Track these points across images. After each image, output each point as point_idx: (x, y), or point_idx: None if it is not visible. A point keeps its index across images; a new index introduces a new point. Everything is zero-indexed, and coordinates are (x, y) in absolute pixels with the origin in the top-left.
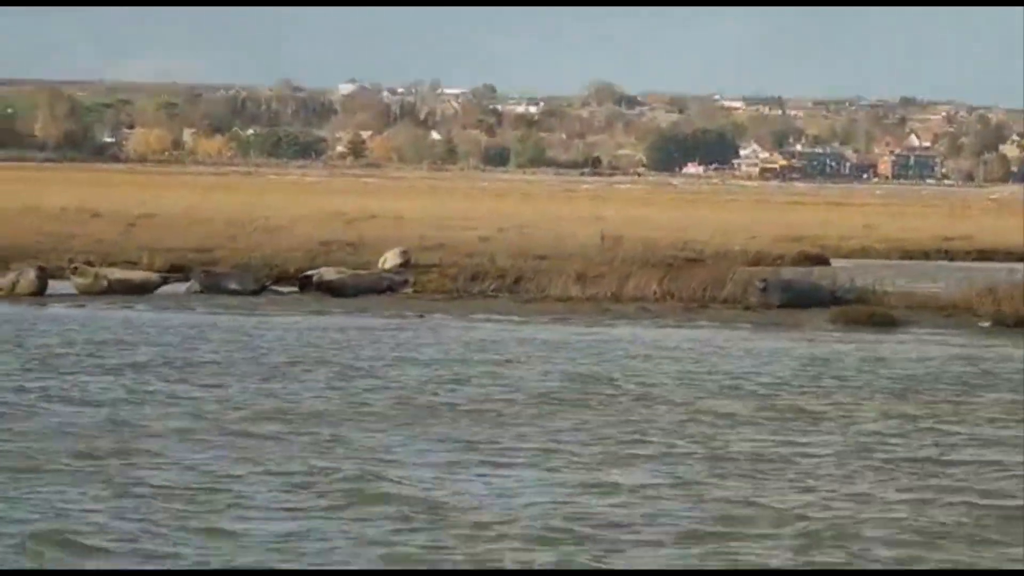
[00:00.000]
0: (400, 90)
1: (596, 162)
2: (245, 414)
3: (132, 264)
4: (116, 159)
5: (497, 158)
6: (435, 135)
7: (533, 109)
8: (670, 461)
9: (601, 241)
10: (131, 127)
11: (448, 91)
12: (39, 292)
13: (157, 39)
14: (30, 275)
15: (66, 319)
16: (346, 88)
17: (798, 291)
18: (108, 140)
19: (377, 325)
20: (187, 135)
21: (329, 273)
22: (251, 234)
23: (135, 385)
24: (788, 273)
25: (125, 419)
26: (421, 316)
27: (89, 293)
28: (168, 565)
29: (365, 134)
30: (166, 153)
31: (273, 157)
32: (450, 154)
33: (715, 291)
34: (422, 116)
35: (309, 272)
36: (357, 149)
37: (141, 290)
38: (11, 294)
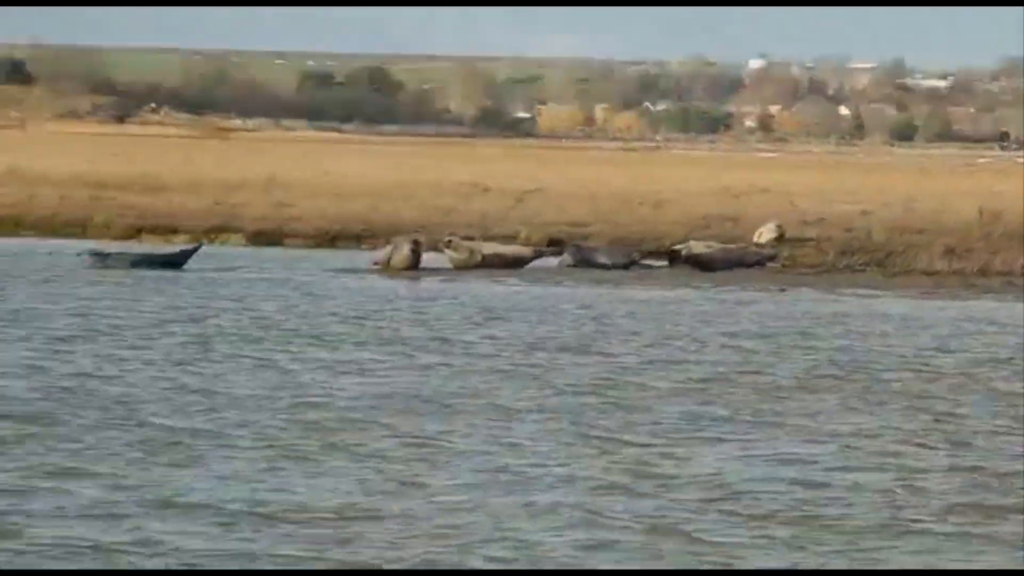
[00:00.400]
0: (809, 64)
1: (1004, 136)
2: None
3: (510, 238)
4: (529, 134)
5: (904, 133)
6: (843, 110)
7: (942, 83)
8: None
9: (979, 216)
10: (543, 103)
11: (857, 65)
12: (413, 266)
13: (571, 14)
14: (404, 249)
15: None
16: (756, 63)
17: None
18: (522, 116)
19: (731, 299)
20: (598, 111)
21: (698, 247)
22: (636, 208)
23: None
24: None
25: None
26: (783, 290)
27: (463, 267)
28: None
29: (773, 108)
30: (578, 129)
31: (683, 132)
32: (857, 129)
33: None
34: (830, 91)
35: (678, 246)
36: (765, 124)
37: (514, 264)
38: (387, 267)
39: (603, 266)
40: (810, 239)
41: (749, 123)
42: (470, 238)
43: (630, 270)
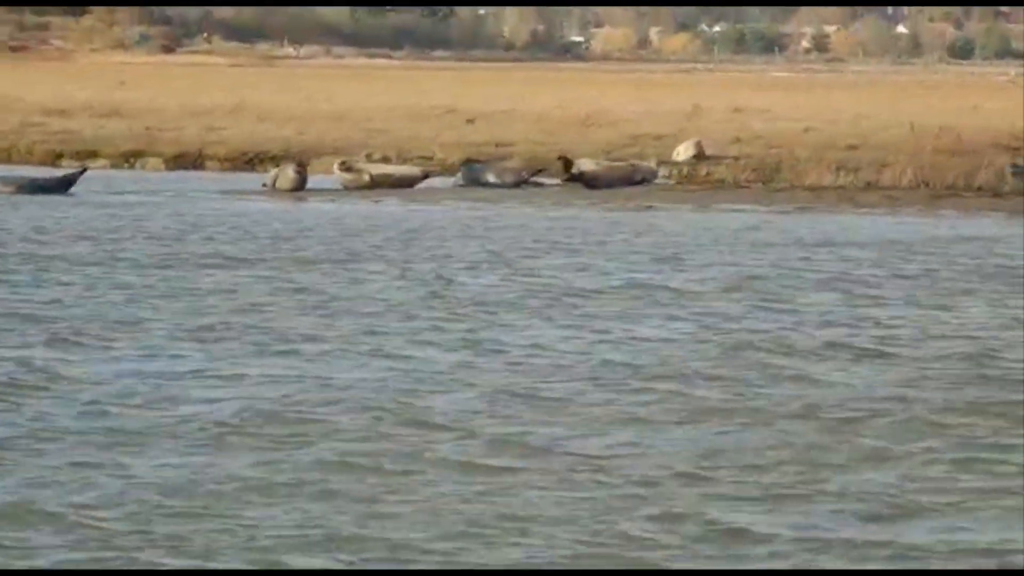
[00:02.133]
0: None
1: None
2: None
3: (426, 159)
4: (580, 58)
5: (963, 51)
6: (901, 28)
7: None
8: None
9: (911, 130)
10: (599, 26)
11: None
12: (299, 187)
13: None
14: (289, 171)
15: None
16: None
17: None
18: (576, 40)
19: (592, 216)
20: (653, 33)
21: (587, 164)
22: (582, 129)
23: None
24: None
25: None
26: (650, 207)
27: (353, 188)
28: None
29: (830, 28)
30: (631, 52)
31: (737, 54)
32: (915, 48)
33: (970, 179)
34: (890, 10)
35: (569, 161)
36: (820, 44)
37: (405, 184)
38: (272, 189)
39: (493, 185)
40: (731, 157)
41: (805, 44)
42: (387, 159)
43: (520, 188)
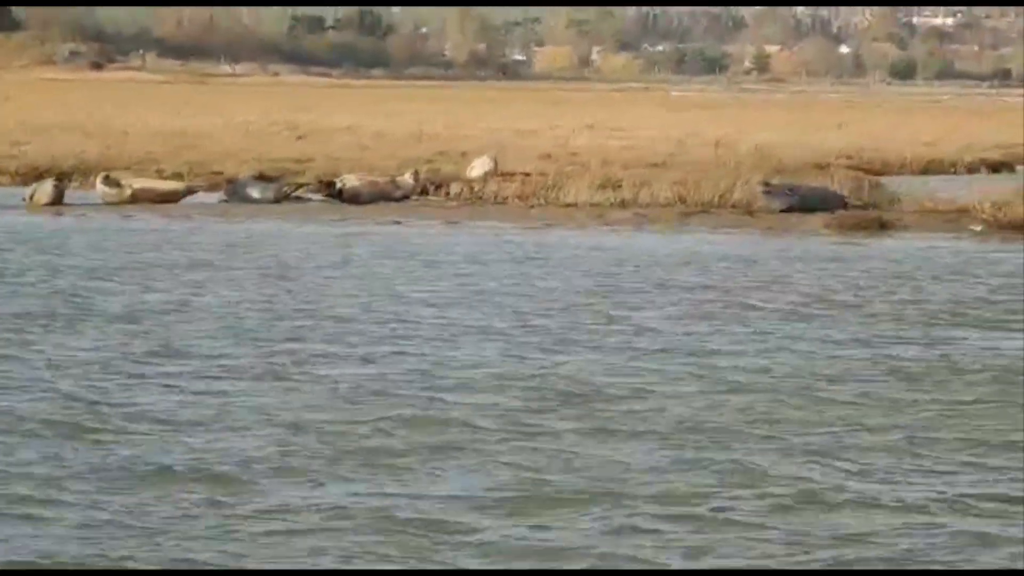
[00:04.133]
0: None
1: (1006, 74)
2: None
3: (216, 174)
4: (519, 77)
5: (905, 71)
6: (844, 49)
7: (950, 20)
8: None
9: (715, 149)
10: (541, 45)
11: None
12: (56, 201)
13: None
14: (47, 185)
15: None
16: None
17: (804, 196)
18: (518, 58)
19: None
20: (595, 53)
21: (351, 180)
22: (414, 144)
23: None
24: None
25: None
26: (397, 222)
27: (113, 203)
28: None
29: (772, 48)
30: (572, 71)
31: (677, 74)
32: (858, 68)
33: (728, 197)
34: (834, 30)
35: (333, 179)
36: (762, 64)
37: (168, 199)
38: (30, 203)
39: (256, 200)
40: (524, 174)
41: (747, 64)
42: (182, 176)
43: (281, 203)
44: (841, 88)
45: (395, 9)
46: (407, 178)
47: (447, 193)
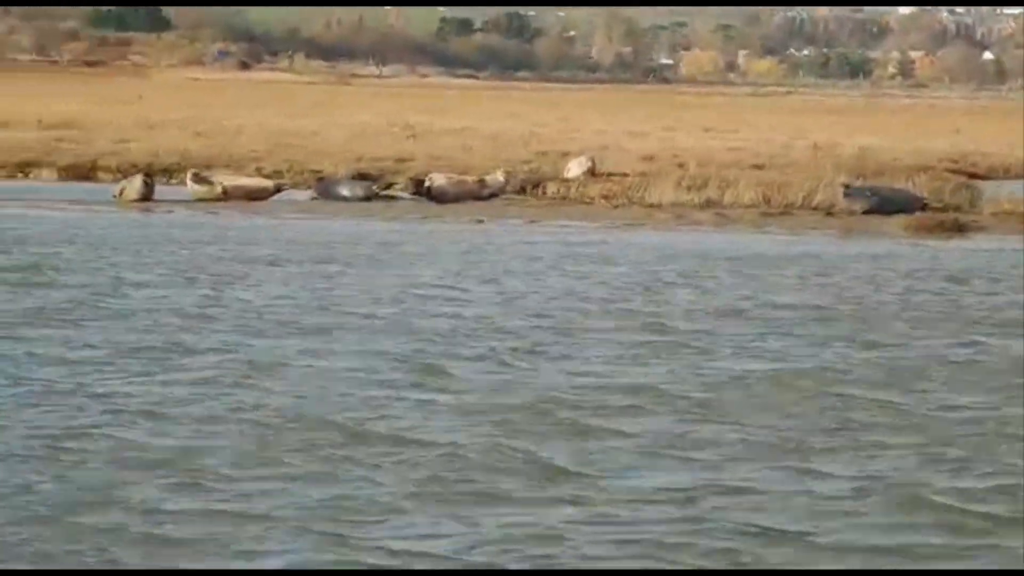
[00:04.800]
0: (959, 11)
1: None
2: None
3: (317, 172)
4: (665, 80)
5: None
6: (987, 55)
7: None
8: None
9: (814, 151)
10: (687, 49)
11: (1008, 11)
12: (145, 197)
13: None
14: (136, 183)
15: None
16: (906, 9)
17: (884, 198)
18: (665, 62)
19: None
20: (740, 57)
21: (438, 179)
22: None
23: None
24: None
25: None
26: (480, 221)
27: (204, 200)
28: None
29: (916, 54)
30: (717, 75)
31: (822, 78)
32: (1000, 74)
33: (811, 198)
34: (978, 36)
35: (421, 178)
36: (905, 70)
37: (257, 196)
38: (119, 199)
39: (345, 198)
40: (622, 174)
41: (891, 69)
42: (282, 173)
43: (371, 201)
44: (981, 94)
45: (534, 11)
46: (498, 177)
47: (544, 192)
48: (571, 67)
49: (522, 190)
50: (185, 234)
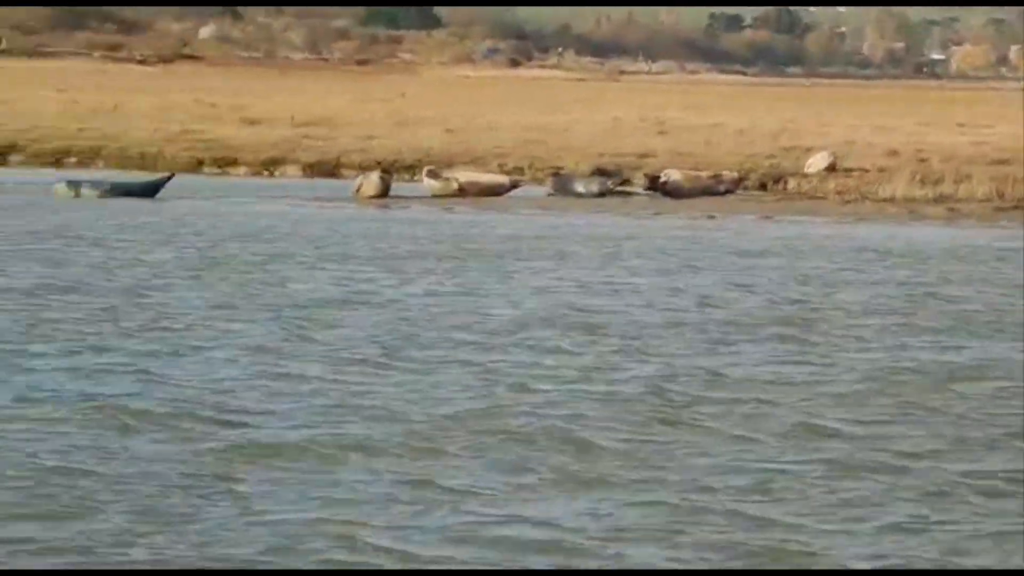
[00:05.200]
0: None
1: None
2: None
3: (558, 169)
4: (936, 76)
5: None
6: None
7: None
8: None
9: None
10: (959, 44)
11: None
12: (382, 194)
13: None
14: (373, 178)
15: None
16: None
17: None
18: (936, 57)
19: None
20: (1013, 51)
21: (673, 175)
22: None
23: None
24: None
25: None
26: (712, 217)
27: (440, 196)
28: None
29: None
30: (989, 69)
31: None
32: None
33: None
34: None
35: (657, 174)
36: None
37: (492, 192)
38: (356, 195)
39: (580, 194)
40: (862, 169)
41: None
42: (523, 170)
43: (605, 197)
44: None
45: (813, 9)
46: (732, 173)
47: (784, 188)
48: (841, 63)
49: (762, 186)
50: (409, 230)
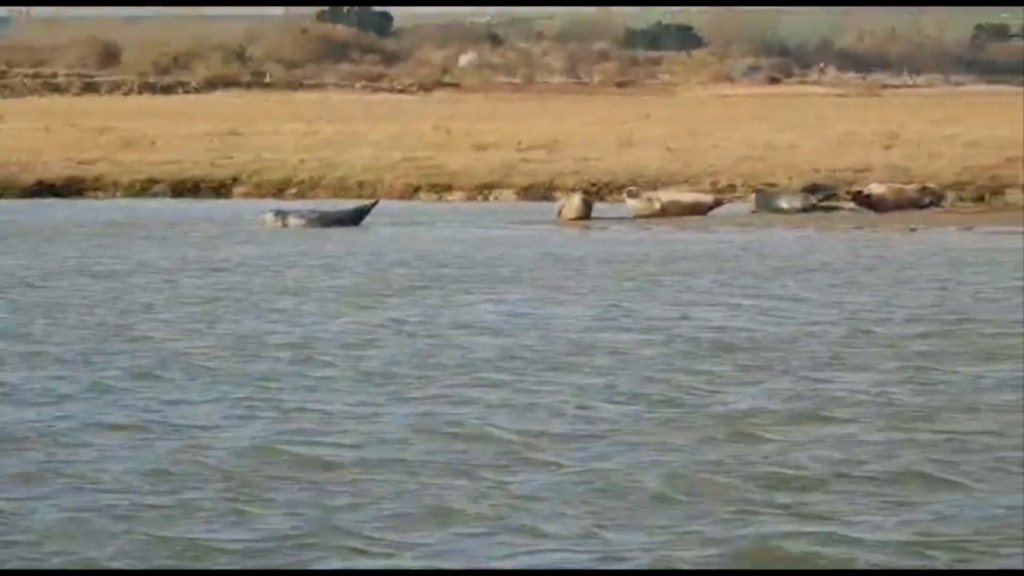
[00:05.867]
0: None
1: None
2: None
3: (771, 186)
4: None
5: None
6: None
7: None
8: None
9: None
10: None
11: None
12: (584, 216)
13: None
14: (575, 200)
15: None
16: None
17: None
18: None
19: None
20: None
21: (877, 188)
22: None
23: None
24: None
25: None
26: (914, 229)
27: (642, 216)
28: None
29: None
30: None
31: None
32: None
33: None
34: None
35: (861, 188)
36: None
37: (694, 211)
38: (558, 218)
39: (783, 210)
40: None
41: None
42: (735, 187)
43: (810, 213)
44: None
45: None
46: (933, 186)
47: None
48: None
49: (980, 198)
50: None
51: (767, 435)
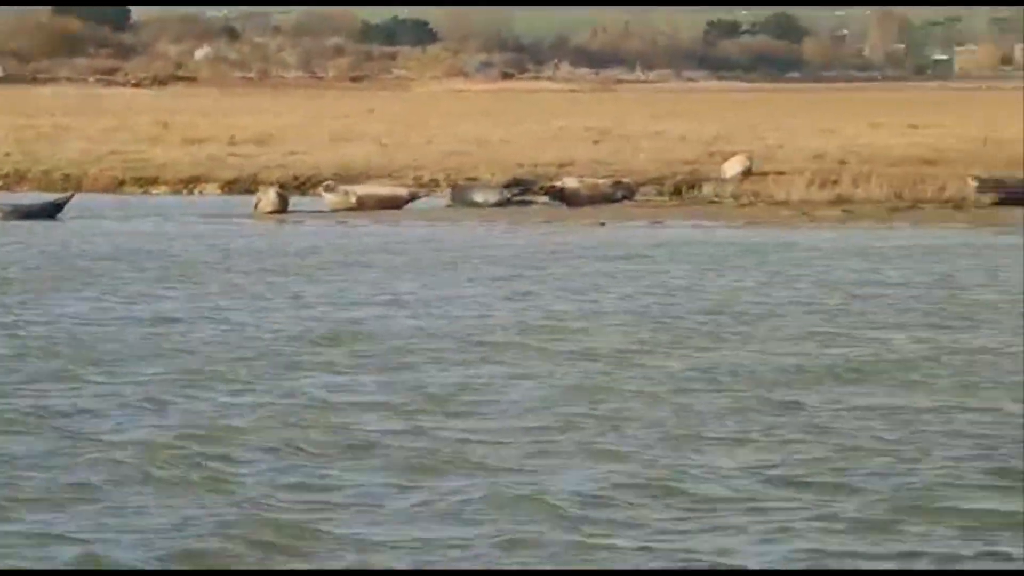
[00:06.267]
0: None
1: None
2: None
3: (472, 180)
4: (938, 77)
5: None
6: None
7: None
8: None
9: (984, 144)
10: (961, 44)
11: None
12: (280, 210)
13: None
14: (270, 194)
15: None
16: None
17: (1011, 190)
18: (939, 58)
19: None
20: (1018, 50)
21: (571, 183)
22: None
23: None
24: None
25: None
26: (603, 224)
27: (339, 210)
28: None
29: None
30: (996, 69)
31: None
32: None
33: (942, 192)
34: None
35: (556, 183)
36: None
37: (391, 204)
38: (255, 211)
39: (478, 204)
40: (777, 173)
41: None
42: (438, 182)
43: (505, 207)
44: None
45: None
46: (628, 180)
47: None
48: (842, 67)
49: (676, 191)
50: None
51: None
